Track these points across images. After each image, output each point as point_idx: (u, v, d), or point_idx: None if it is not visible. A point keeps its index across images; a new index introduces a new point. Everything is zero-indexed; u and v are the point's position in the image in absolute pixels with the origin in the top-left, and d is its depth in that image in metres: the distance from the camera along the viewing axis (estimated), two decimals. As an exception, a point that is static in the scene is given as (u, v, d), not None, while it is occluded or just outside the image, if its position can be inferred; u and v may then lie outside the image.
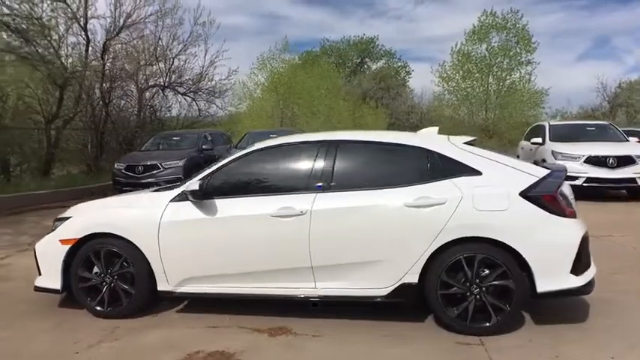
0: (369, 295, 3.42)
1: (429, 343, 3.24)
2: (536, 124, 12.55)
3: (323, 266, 3.44)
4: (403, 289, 3.36)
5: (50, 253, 3.77)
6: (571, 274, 3.26)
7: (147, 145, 12.30)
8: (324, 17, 62.71)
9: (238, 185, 3.69)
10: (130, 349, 3.23)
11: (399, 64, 45.84)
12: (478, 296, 3.29)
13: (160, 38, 16.86)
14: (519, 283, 3.24)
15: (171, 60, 16.80)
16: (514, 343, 3.21)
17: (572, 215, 3.38)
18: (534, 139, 10.96)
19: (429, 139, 3.73)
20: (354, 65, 44.74)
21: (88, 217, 3.86)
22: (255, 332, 3.45)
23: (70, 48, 14.40)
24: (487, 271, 3.29)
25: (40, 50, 12.02)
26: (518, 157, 13.12)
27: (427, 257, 3.31)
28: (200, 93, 17.76)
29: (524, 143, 12.29)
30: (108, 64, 15.25)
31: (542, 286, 3.24)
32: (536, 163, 10.59)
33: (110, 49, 15.36)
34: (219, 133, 14.25)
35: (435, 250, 3.30)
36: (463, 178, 3.38)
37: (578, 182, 9.35)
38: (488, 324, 3.28)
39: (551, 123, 11.55)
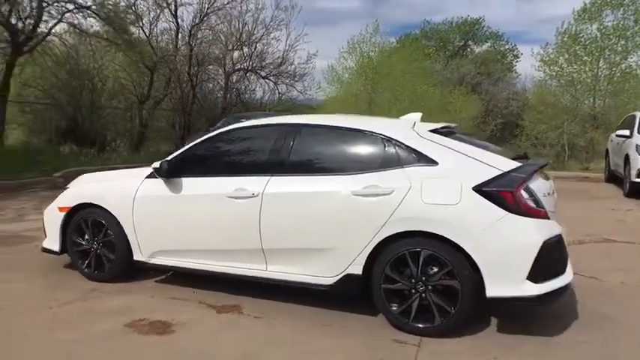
0: (315, 282, 3.36)
1: (364, 337, 3.13)
2: (629, 114, 11.06)
3: (273, 249, 3.46)
4: (348, 280, 3.27)
5: (52, 219, 4.23)
6: (528, 281, 2.93)
7: (218, 126, 12.96)
8: (430, -2, 60.20)
9: (204, 165, 3.82)
10: (91, 310, 3.53)
11: (507, 47, 42.99)
12: (423, 294, 3.09)
13: (245, 23, 17.54)
14: (466, 285, 2.98)
15: (255, 44, 17.40)
16: (454, 348, 2.98)
17: (539, 215, 3.01)
18: (620, 132, 9.71)
19: (389, 125, 3.54)
20: (456, 48, 42.72)
21: (81, 188, 4.25)
22: (207, 308, 3.58)
23: (160, 34, 15.60)
24: (435, 269, 3.08)
25: (130, 37, 13.14)
26: (607, 150, 11.72)
27: (371, 249, 3.17)
28: (281, 77, 18.22)
29: (613, 136, 10.94)
30: (195, 49, 16.23)
31: (493, 290, 2.96)
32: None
33: (198, 34, 16.32)
34: (290, 116, 14.54)
35: (380, 243, 3.15)
36: (416, 167, 3.16)
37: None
38: (431, 325, 3.08)
39: (645, 113, 10.09)
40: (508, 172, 3.04)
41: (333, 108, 22.56)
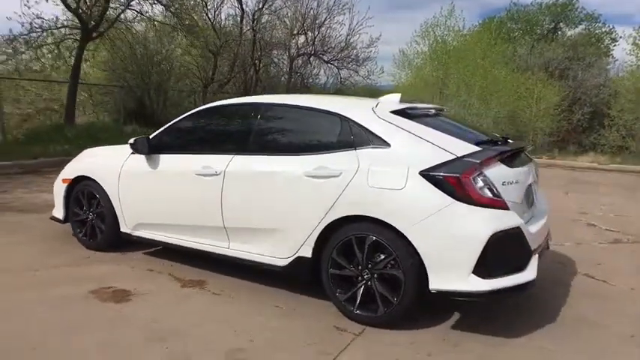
0: (271, 263, 3.33)
1: (308, 320, 3.06)
2: None
3: (233, 228, 3.47)
4: (300, 263, 3.20)
5: (58, 189, 4.56)
6: (473, 276, 2.69)
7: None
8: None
9: (179, 143, 3.89)
10: (71, 275, 3.75)
11: (603, 29, 39.18)
12: (369, 283, 2.96)
13: (311, 8, 17.54)
14: (409, 275, 2.81)
15: (318, 28, 17.37)
16: (393, 340, 2.84)
17: (494, 205, 2.74)
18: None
19: (348, 105, 3.38)
20: (545, 31, 39.66)
21: (81, 161, 4.52)
22: (174, 281, 3.69)
23: (225, 19, 16.08)
24: (381, 257, 2.92)
25: (194, 23, 13.68)
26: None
27: (319, 232, 3.08)
28: (344, 61, 18.07)
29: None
30: (259, 34, 16.54)
31: (436, 282, 2.76)
32: None
33: (262, 19, 16.61)
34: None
35: (328, 226, 3.05)
36: (368, 149, 3.00)
37: None
38: (374, 315, 2.94)
39: None
40: (461, 157, 2.79)
41: (403, 93, 21.92)
